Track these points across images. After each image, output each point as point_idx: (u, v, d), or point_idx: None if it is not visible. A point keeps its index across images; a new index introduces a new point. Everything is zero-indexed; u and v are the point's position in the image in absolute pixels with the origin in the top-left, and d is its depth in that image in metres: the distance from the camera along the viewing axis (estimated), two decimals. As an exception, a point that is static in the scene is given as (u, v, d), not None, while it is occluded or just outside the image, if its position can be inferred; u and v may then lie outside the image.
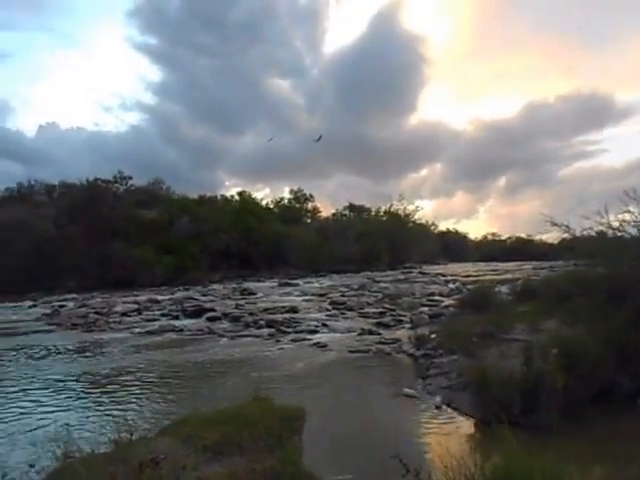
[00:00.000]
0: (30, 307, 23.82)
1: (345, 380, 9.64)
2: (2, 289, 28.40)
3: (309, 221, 65.20)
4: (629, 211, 8.84)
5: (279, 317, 16.91)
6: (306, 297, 23.80)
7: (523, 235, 73.88)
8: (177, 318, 18.21)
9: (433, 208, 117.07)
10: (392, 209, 64.41)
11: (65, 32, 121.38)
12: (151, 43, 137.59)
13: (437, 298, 20.73)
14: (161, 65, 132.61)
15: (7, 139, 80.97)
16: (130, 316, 18.91)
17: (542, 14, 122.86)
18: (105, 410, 7.77)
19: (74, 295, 27.79)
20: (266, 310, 18.84)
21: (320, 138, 47.34)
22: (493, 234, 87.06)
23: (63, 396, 8.69)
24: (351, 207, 68.71)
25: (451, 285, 27.36)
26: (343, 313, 18.24)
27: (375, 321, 15.93)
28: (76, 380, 9.92)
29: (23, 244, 32.97)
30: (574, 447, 5.53)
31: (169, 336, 14.75)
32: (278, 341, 13.27)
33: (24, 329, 16.77)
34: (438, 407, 7.36)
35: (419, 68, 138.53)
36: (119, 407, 7.88)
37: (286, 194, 69.26)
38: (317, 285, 31.39)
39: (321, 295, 24.21)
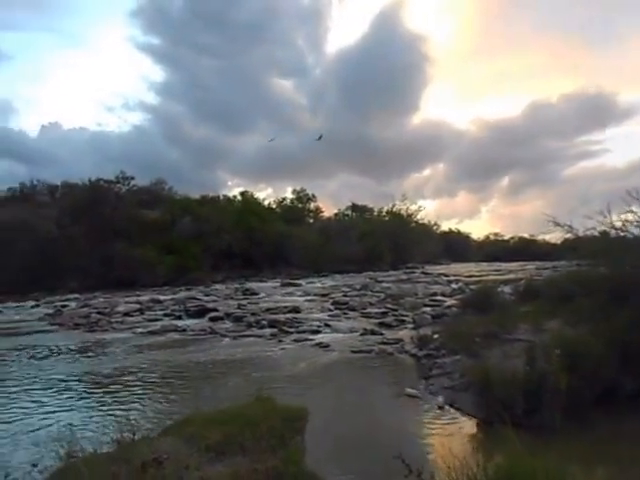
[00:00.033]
0: (32, 307, 23.85)
1: (347, 380, 9.64)
2: (5, 289, 28.45)
3: (311, 221, 65.15)
4: (632, 211, 8.83)
5: (281, 317, 16.90)
6: (308, 297, 23.81)
7: (526, 235, 73.91)
8: (179, 318, 18.21)
9: (436, 208, 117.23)
10: (395, 209, 64.51)
11: (68, 32, 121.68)
12: (154, 43, 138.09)
13: (440, 298, 20.71)
14: (164, 65, 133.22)
15: (10, 139, 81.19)
16: (132, 316, 18.93)
17: (545, 13, 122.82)
18: (108, 410, 7.78)
19: (76, 295, 27.82)
20: (268, 310, 18.83)
21: (320, 137, 47.44)
22: (496, 234, 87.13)
23: (66, 396, 8.71)
24: (353, 207, 68.70)
25: (454, 285, 27.34)
26: (345, 313, 18.22)
27: (377, 321, 15.91)
28: (78, 380, 9.94)
29: (26, 244, 33.01)
30: (577, 448, 5.52)
31: (171, 336, 14.75)
32: (280, 341, 13.27)
33: (27, 329, 16.79)
34: (441, 407, 7.35)
35: (422, 68, 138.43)
36: (122, 407, 7.88)
37: (288, 194, 69.37)
38: (319, 285, 31.41)
39: (323, 295, 24.19)
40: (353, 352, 11.53)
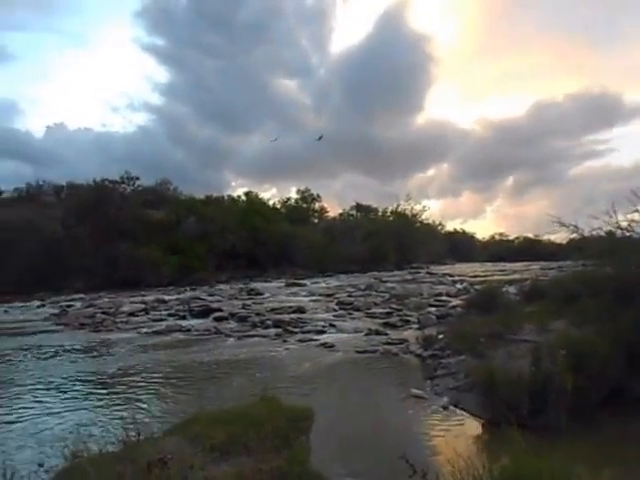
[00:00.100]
0: (38, 307, 23.97)
1: (352, 380, 9.63)
2: (11, 289, 28.59)
3: (316, 221, 65.21)
4: (638, 211, 8.78)
5: (286, 317, 16.91)
6: (313, 297, 23.81)
7: (531, 235, 73.71)
8: (184, 318, 18.25)
9: (440, 208, 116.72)
10: (399, 209, 64.56)
11: (73, 33, 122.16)
12: (158, 44, 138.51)
13: (444, 298, 20.69)
14: (168, 66, 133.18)
15: (16, 140, 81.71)
16: (137, 316, 18.98)
17: (549, 13, 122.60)
18: (113, 410, 7.79)
19: (81, 295, 27.94)
20: (273, 310, 18.85)
21: (321, 137, 47.61)
22: (501, 234, 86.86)
23: (71, 396, 8.73)
24: (358, 207, 68.65)
25: (459, 285, 27.28)
26: (350, 313, 18.20)
27: (382, 321, 15.89)
28: (84, 380, 9.97)
29: (31, 244, 33.15)
30: (583, 449, 5.49)
31: (176, 336, 14.78)
32: (285, 341, 13.27)
33: (32, 329, 16.86)
34: (445, 408, 7.34)
35: (426, 68, 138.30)
36: (127, 407, 7.89)
37: (293, 194, 69.48)
38: (324, 285, 31.40)
39: (328, 295, 24.19)
40: (358, 352, 11.52)
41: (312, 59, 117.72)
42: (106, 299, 25.04)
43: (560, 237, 11.36)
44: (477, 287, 21.71)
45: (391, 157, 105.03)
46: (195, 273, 36.90)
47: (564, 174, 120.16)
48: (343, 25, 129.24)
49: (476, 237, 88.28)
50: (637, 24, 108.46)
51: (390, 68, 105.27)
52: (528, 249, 69.47)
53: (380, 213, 68.15)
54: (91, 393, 9.09)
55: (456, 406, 7.34)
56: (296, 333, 14.33)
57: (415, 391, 8.09)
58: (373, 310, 18.41)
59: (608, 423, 6.18)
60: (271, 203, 62.61)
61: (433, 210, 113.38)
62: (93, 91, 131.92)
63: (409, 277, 35.88)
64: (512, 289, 17.31)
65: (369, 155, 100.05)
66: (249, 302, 21.99)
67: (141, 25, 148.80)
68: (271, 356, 11.66)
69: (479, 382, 6.90)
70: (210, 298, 23.68)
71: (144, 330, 15.78)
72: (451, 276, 34.97)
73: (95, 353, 12.60)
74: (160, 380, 9.82)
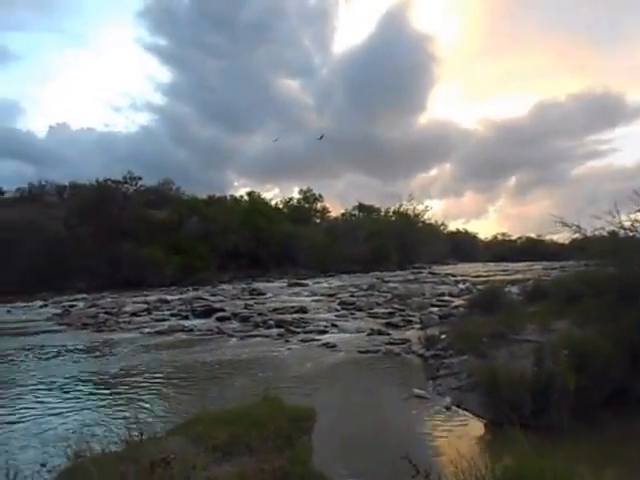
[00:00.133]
0: (41, 307, 24.00)
1: (354, 380, 9.63)
2: (13, 289, 28.64)
3: (318, 221, 65.19)
4: (641, 211, 8.78)
5: (288, 317, 16.91)
6: (315, 297, 23.80)
7: (533, 235, 73.70)
8: (187, 318, 18.27)
9: (443, 208, 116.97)
10: (401, 209, 64.51)
11: (75, 33, 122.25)
12: (161, 44, 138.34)
13: (447, 298, 20.67)
14: (171, 66, 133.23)
15: (18, 140, 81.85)
16: (140, 316, 19.00)
17: (551, 13, 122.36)
18: (115, 410, 7.80)
19: (84, 295, 27.97)
20: (275, 310, 18.86)
21: (322, 137, 47.70)
22: (503, 234, 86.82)
23: (74, 396, 8.75)
24: (360, 207, 68.63)
25: (461, 285, 27.26)
26: (352, 313, 18.20)
27: (384, 321, 15.88)
28: (86, 380, 9.98)
29: (34, 244, 33.21)
30: (586, 449, 5.49)
31: (179, 336, 14.79)
32: (287, 341, 13.28)
33: (35, 329, 16.88)
34: (448, 408, 7.33)
35: (428, 67, 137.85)
36: (129, 407, 7.90)
37: (295, 194, 69.41)
38: (326, 285, 31.40)
39: (330, 295, 24.18)
40: (360, 352, 11.52)
41: (314, 59, 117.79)
42: (109, 299, 25.06)
43: (563, 237, 11.34)
44: (479, 287, 21.70)
45: (393, 157, 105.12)
46: (197, 273, 36.93)
47: (567, 174, 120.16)
48: (345, 25, 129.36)
49: (478, 237, 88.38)
50: (639, 24, 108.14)
51: (393, 68, 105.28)
52: (530, 249, 69.40)
53: (382, 213, 68.10)
54: (94, 393, 9.10)
55: (458, 406, 7.34)
56: (298, 333, 14.34)
57: (417, 391, 8.08)
58: (375, 310, 18.39)
59: (611, 423, 6.18)
60: (273, 203, 62.68)
61: (435, 210, 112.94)
62: (95, 91, 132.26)
63: (411, 277, 35.87)
64: (514, 289, 17.29)
65: (371, 155, 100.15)
66: (251, 302, 21.99)
67: (144, 25, 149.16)
68: (273, 356, 11.67)
69: (482, 382, 6.90)
70: (212, 298, 23.70)
71: (147, 330, 15.80)
72: (453, 276, 34.95)
73: (98, 353, 12.62)
74: (163, 380, 9.84)
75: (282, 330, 14.80)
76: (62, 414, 7.58)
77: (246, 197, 58.33)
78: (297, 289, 29.03)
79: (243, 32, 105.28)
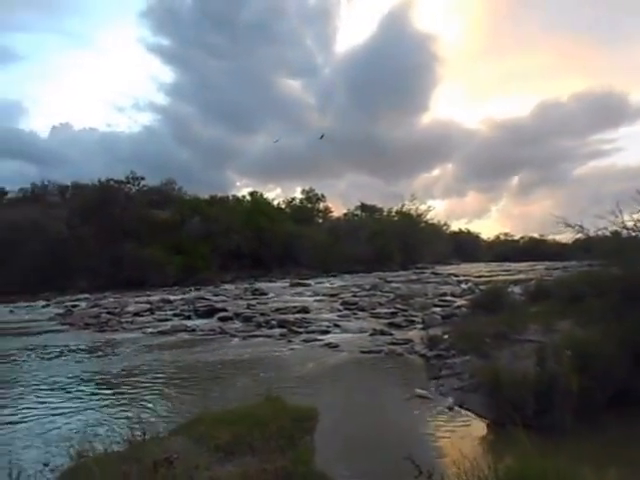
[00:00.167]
0: (43, 307, 24.08)
1: (357, 381, 9.63)
2: (16, 289, 28.72)
3: (321, 221, 65.21)
4: (644, 211, 8.76)
5: (291, 317, 16.91)
6: (318, 297, 23.80)
7: (536, 235, 73.53)
8: (189, 318, 18.29)
9: (445, 208, 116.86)
10: (404, 209, 64.43)
11: (78, 33, 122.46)
12: (163, 44, 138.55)
13: (449, 298, 20.66)
14: (173, 66, 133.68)
15: (21, 140, 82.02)
16: (142, 316, 19.03)
17: (554, 13, 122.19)
18: (118, 409, 7.81)
19: (86, 295, 28.03)
20: (278, 310, 18.86)
21: (322, 137, 47.77)
22: (506, 234, 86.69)
23: (76, 395, 8.76)
24: (363, 207, 68.59)
25: (463, 285, 27.25)
26: (355, 313, 18.19)
27: (387, 321, 15.86)
28: (89, 380, 9.99)
29: (36, 244, 33.29)
30: (588, 450, 5.48)
31: (181, 336, 14.81)
32: (290, 341, 13.27)
33: (37, 329, 16.92)
34: (450, 408, 7.32)
35: (431, 67, 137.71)
36: (132, 407, 7.91)
37: (298, 194, 69.54)
38: (329, 285, 31.41)
39: (333, 295, 24.17)
40: (362, 352, 11.51)
41: (316, 59, 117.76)
42: (111, 299, 25.12)
43: (565, 237, 11.34)
44: (482, 287, 21.65)
45: (396, 157, 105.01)
46: (200, 273, 36.97)
47: (569, 174, 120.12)
48: (347, 25, 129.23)
49: (481, 237, 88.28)
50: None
51: (395, 68, 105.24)
52: (533, 249, 69.35)
53: (385, 213, 68.04)
54: (96, 393, 9.11)
55: (461, 406, 7.33)
56: (301, 333, 14.34)
57: (420, 391, 8.07)
58: (378, 310, 18.38)
59: (614, 424, 6.16)
60: (276, 203, 62.59)
61: (438, 210, 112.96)
62: (98, 91, 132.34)
63: (414, 277, 35.86)
64: (517, 289, 17.27)
65: (374, 155, 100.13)
66: (254, 302, 22.02)
67: (146, 25, 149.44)
68: (276, 356, 11.67)
69: (484, 382, 6.88)
70: (215, 298, 23.72)
71: (149, 330, 15.82)
72: (456, 276, 34.93)
73: (100, 353, 12.64)
74: (165, 380, 9.85)
75: (284, 330, 14.80)
76: (65, 414, 7.59)
77: (248, 197, 58.35)
78: (299, 289, 29.04)
79: (245, 32, 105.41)
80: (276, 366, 10.69)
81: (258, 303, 21.68)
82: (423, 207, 65.06)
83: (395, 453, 3.78)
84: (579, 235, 10.14)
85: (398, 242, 54.29)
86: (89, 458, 3.61)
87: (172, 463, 3.10)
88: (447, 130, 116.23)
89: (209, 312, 18.92)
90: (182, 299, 23.69)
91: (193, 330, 15.54)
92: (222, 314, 18.22)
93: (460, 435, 6.32)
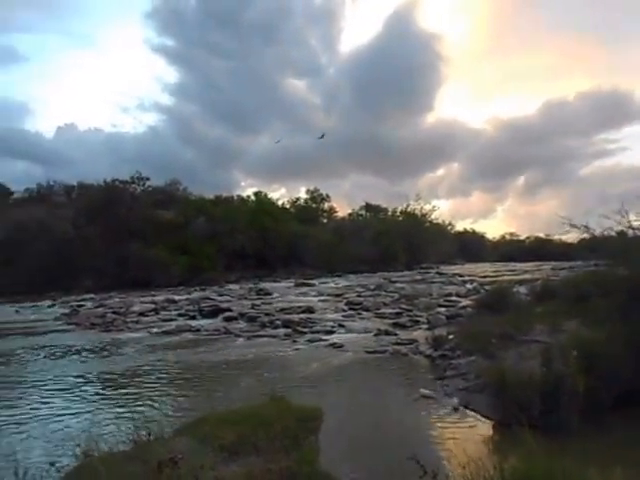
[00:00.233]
0: (49, 307, 24.15)
1: (362, 381, 9.61)
2: (22, 289, 28.87)
3: (325, 221, 65.21)
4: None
5: (295, 317, 16.92)
6: (322, 297, 23.80)
7: (542, 235, 73.30)
8: (194, 318, 18.32)
9: (450, 208, 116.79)
10: (409, 209, 64.38)
11: (83, 34, 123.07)
12: (168, 44, 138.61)
13: (454, 299, 20.63)
14: (178, 66, 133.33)
15: (26, 141, 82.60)
16: (147, 316, 19.07)
17: (559, 12, 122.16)
18: (123, 409, 7.82)
19: (92, 295, 28.09)
20: (282, 310, 18.87)
21: (323, 136, 47.79)
22: (511, 234, 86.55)
23: (82, 395, 8.78)
24: (367, 207, 68.61)
25: (468, 285, 27.21)
26: (359, 313, 18.19)
27: (392, 322, 15.85)
28: (95, 379, 10.03)
29: (42, 245, 33.42)
30: (594, 450, 5.45)
31: (186, 336, 14.83)
32: (294, 341, 13.27)
33: (43, 328, 16.98)
34: (456, 409, 7.30)
35: (436, 67, 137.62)
36: (137, 406, 7.93)
37: (302, 194, 69.57)
38: (333, 285, 31.39)
39: (337, 295, 24.18)
40: (367, 352, 11.50)
41: (321, 59, 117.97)
42: (116, 299, 25.18)
43: (571, 237, 11.30)
44: (487, 287, 21.64)
45: (401, 157, 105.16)
46: (205, 273, 37.03)
47: (575, 173, 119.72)
48: (352, 25, 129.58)
49: (486, 237, 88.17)
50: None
51: (400, 67, 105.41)
52: (539, 249, 69.12)
53: (390, 213, 68.02)
54: (102, 393, 9.14)
55: (466, 407, 7.31)
56: (305, 333, 14.33)
57: (425, 392, 8.06)
58: (382, 310, 18.38)
59: (619, 424, 6.13)
60: (280, 203, 62.65)
61: (443, 210, 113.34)
62: (103, 92, 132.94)
63: (419, 277, 35.80)
64: (523, 289, 17.23)
65: (378, 155, 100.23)
66: (258, 302, 22.04)
67: (151, 26, 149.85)
68: (280, 356, 11.67)
69: (490, 383, 6.86)
70: (220, 298, 23.76)
71: (154, 330, 15.85)
72: (461, 276, 34.88)
73: (106, 353, 12.67)
74: (170, 380, 9.87)
75: (289, 330, 14.81)
76: (70, 413, 7.61)
77: (253, 197, 58.36)
78: (304, 289, 29.04)
79: (250, 32, 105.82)
80: (281, 366, 10.68)
81: (263, 303, 21.69)
82: (428, 207, 65.09)
83: (400, 453, 3.76)
84: (585, 235, 10.10)
85: (403, 242, 54.21)
86: (94, 458, 3.62)
87: (177, 463, 3.10)
88: (452, 130, 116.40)
89: (214, 312, 18.95)
90: (187, 299, 23.72)
91: (198, 330, 15.56)
92: (227, 314, 18.25)
93: (465, 435, 6.30)
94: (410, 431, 6.65)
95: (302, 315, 17.58)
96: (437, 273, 40.69)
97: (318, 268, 44.18)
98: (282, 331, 14.83)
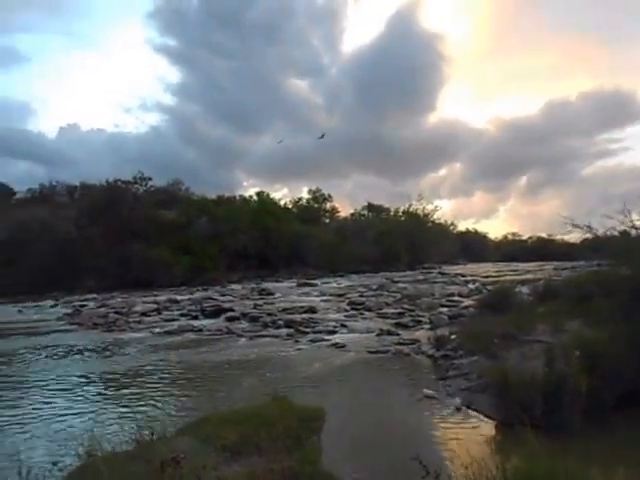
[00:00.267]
0: (51, 307, 24.20)
1: (364, 381, 9.61)
2: (24, 289, 28.92)
3: (327, 221, 65.26)
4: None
5: (297, 317, 16.92)
6: (324, 297, 23.80)
7: (544, 235, 73.28)
8: (196, 318, 18.33)
9: (452, 208, 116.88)
10: (411, 209, 64.43)
11: (85, 34, 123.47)
12: (170, 44, 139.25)
13: (457, 299, 20.62)
14: (180, 66, 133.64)
15: (29, 141, 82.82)
16: (150, 316, 19.09)
17: (561, 12, 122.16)
18: (126, 409, 7.83)
19: (94, 295, 28.15)
20: (284, 310, 18.87)
21: (323, 136, 47.86)
22: (513, 234, 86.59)
23: (84, 395, 8.79)
24: (370, 207, 68.64)
25: (471, 285, 27.20)
26: (362, 313, 18.19)
27: (394, 322, 15.84)
28: (97, 379, 10.03)
29: (45, 245, 33.48)
30: (597, 450, 5.44)
31: (188, 336, 14.83)
32: (297, 341, 13.27)
33: (46, 328, 17.00)
34: (458, 409, 7.30)
35: (438, 67, 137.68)
36: (139, 406, 7.94)
37: (304, 194, 69.67)
38: (335, 285, 31.41)
39: (339, 295, 24.18)
40: (369, 352, 11.50)
41: (323, 59, 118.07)
42: (119, 299, 25.21)
43: (574, 237, 11.29)
44: (489, 287, 21.61)
45: (403, 157, 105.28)
46: (207, 273, 37.06)
47: (577, 173, 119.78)
48: (354, 25, 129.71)
49: (488, 237, 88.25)
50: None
51: (402, 67, 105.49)
52: (541, 249, 69.14)
53: (392, 213, 68.07)
54: (104, 392, 9.15)
55: (468, 407, 7.30)
56: (307, 333, 14.33)
57: (427, 392, 8.05)
58: (385, 310, 18.37)
59: (622, 424, 6.12)
60: (282, 203, 62.73)
61: (445, 210, 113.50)
62: (106, 92, 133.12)
63: (421, 277, 35.80)
64: (525, 289, 17.23)
65: (381, 155, 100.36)
66: (260, 302, 22.04)
67: (153, 26, 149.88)
68: (282, 356, 11.67)
69: (492, 383, 6.85)
70: (222, 298, 23.77)
71: (156, 330, 15.86)
72: (463, 276, 34.87)
73: (108, 353, 12.68)
74: (172, 380, 9.87)
75: (291, 330, 14.80)
76: (73, 413, 7.62)
77: (255, 197, 58.48)
78: (306, 289, 29.06)
79: (252, 32, 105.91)
80: (283, 366, 10.68)
81: (265, 303, 21.70)
82: (430, 207, 65.18)
83: (402, 453, 3.77)
84: (587, 235, 10.08)
85: (405, 242, 54.24)
86: (97, 457, 3.63)
87: (179, 463, 3.10)
88: (454, 130, 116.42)
89: (216, 312, 18.96)
90: (189, 299, 23.75)
91: (200, 330, 15.56)
92: (229, 314, 18.26)
93: (468, 435, 6.29)
94: (412, 431, 6.65)
95: (304, 315, 17.57)
96: (439, 273, 40.70)
97: (320, 268, 44.20)
98: (284, 331, 14.83)
